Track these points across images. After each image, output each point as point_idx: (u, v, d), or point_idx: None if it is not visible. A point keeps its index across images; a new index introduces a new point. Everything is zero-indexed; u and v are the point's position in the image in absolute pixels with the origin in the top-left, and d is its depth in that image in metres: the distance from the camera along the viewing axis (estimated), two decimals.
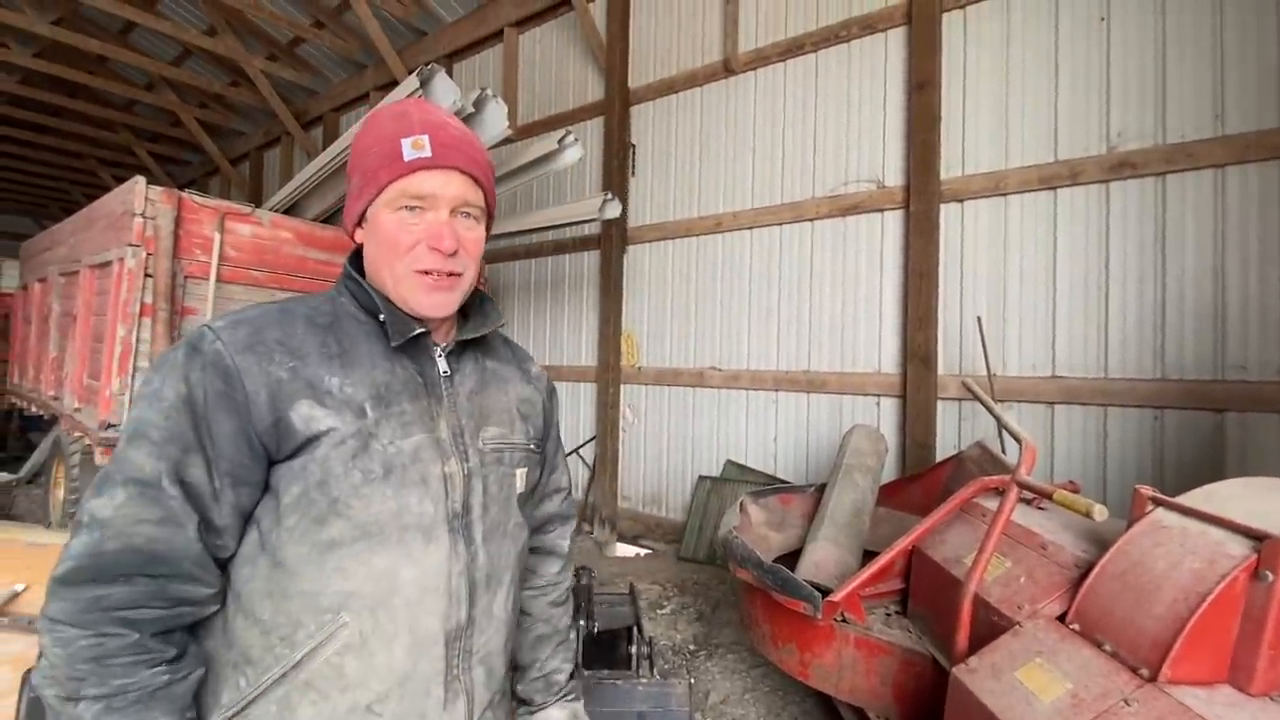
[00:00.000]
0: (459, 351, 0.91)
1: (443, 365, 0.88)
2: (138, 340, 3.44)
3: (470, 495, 0.84)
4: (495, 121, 3.33)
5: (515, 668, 1.08)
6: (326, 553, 0.73)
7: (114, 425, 3.42)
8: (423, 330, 0.84)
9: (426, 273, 0.81)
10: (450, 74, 6.83)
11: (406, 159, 0.79)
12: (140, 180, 3.50)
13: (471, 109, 3.15)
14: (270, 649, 0.73)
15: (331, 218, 4.18)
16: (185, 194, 3.59)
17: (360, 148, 0.84)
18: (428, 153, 0.80)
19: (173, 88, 9.27)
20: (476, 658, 0.84)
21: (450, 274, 0.83)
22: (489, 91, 3.24)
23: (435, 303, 0.83)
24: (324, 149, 4.03)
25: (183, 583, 0.69)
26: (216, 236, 3.64)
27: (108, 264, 3.67)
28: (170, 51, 8.64)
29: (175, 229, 3.51)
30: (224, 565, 0.75)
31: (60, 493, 4.56)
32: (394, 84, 6.40)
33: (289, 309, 0.82)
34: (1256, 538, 1.33)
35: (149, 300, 3.44)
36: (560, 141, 3.79)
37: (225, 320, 0.77)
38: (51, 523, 4.60)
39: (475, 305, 0.95)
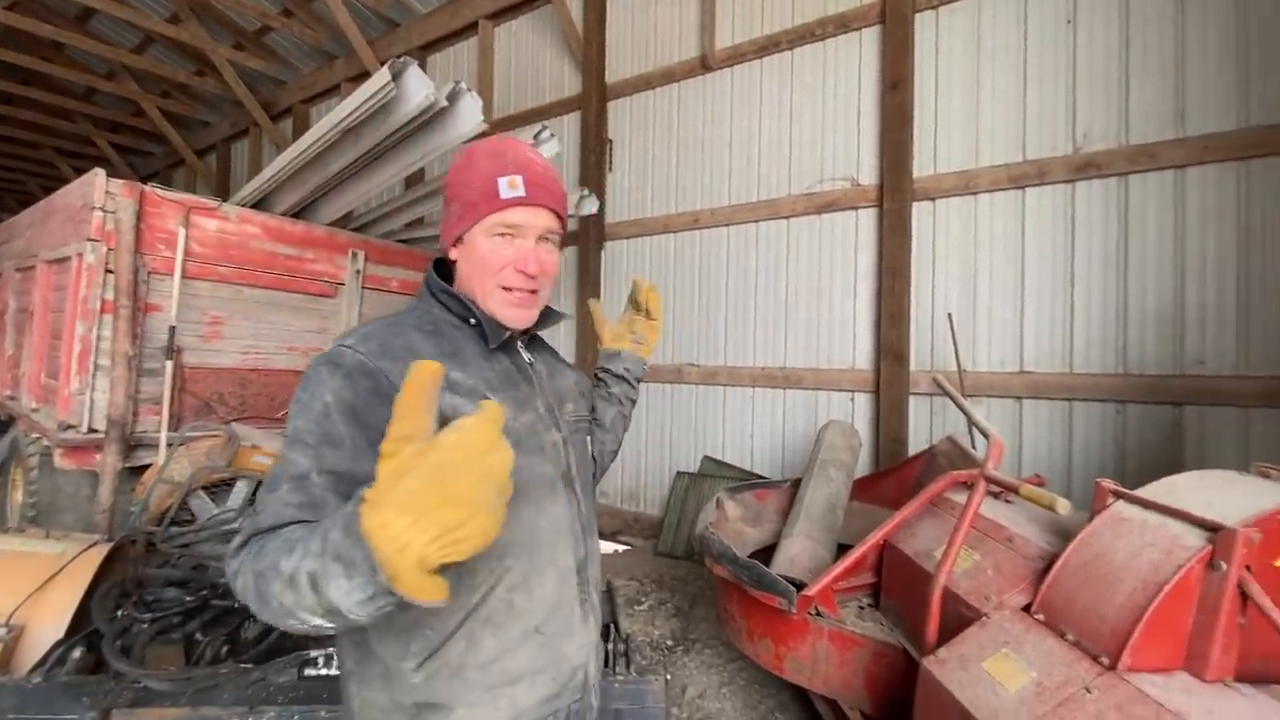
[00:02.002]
0: (529, 345, 1.09)
1: (526, 356, 1.06)
2: (98, 338, 3.34)
3: (569, 458, 1.04)
4: (469, 116, 3.28)
5: (616, 410, 1.38)
6: None
7: (73, 426, 3.32)
8: (510, 333, 1.01)
9: (509, 289, 0.98)
10: (424, 66, 6.72)
11: (503, 197, 0.95)
12: (100, 173, 3.39)
13: (445, 102, 3.10)
14: (454, 597, 0.85)
15: (301, 213, 4.10)
16: (148, 187, 3.49)
17: (461, 180, 0.99)
18: (522, 192, 0.95)
19: (134, 76, 8.96)
20: (592, 585, 1.05)
21: (531, 291, 0.99)
22: (463, 85, 3.19)
23: (517, 316, 1.00)
24: (294, 141, 3.93)
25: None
26: (181, 231, 3.54)
27: (66, 259, 3.55)
28: (131, 38, 8.35)
29: (137, 224, 3.41)
30: None
31: (19, 495, 4.39)
32: (366, 75, 6.28)
33: (398, 321, 0.97)
34: (1211, 529, 1.38)
35: (110, 297, 3.34)
36: (536, 136, 3.76)
37: (354, 338, 0.90)
38: (9, 527, 4.44)
39: None
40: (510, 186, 0.95)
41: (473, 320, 0.99)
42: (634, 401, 1.42)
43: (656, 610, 3.69)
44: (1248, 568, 1.31)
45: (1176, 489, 1.59)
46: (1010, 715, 1.37)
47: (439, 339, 0.96)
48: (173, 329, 3.51)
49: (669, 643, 3.29)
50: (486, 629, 0.90)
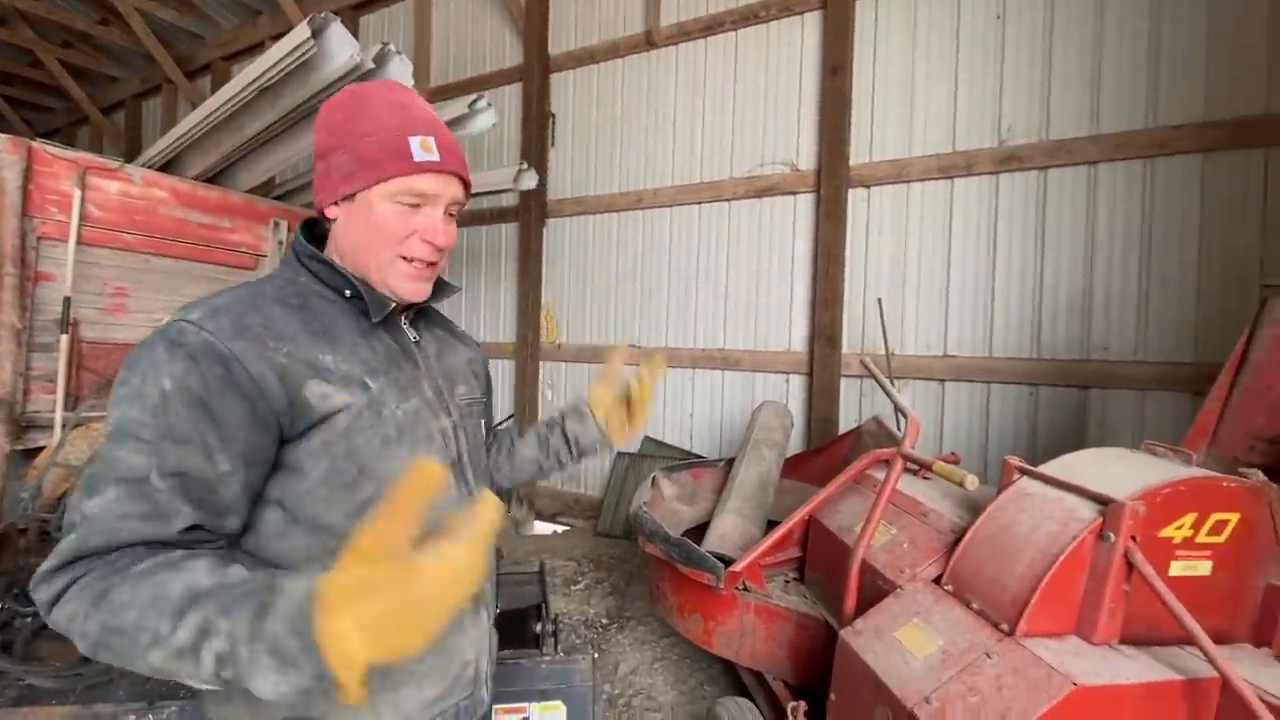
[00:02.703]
0: (415, 321, 1.00)
1: (411, 334, 0.96)
2: None
3: (460, 445, 0.96)
4: (399, 80, 3.12)
5: (538, 454, 1.26)
6: (361, 510, 0.80)
7: None
8: (393, 306, 0.91)
9: (409, 260, 0.88)
10: (356, 27, 6.36)
11: (417, 159, 0.84)
12: None
13: (371, 65, 2.93)
14: None
15: (216, 178, 3.83)
16: (37, 143, 3.18)
17: (355, 130, 0.86)
18: (436, 157, 0.86)
19: (29, 22, 8.12)
20: (485, 575, 0.93)
21: (431, 264, 0.91)
22: (391, 47, 3.02)
23: (416, 289, 0.91)
24: None
25: (161, 552, 0.69)
26: (76, 193, 3.24)
27: None
28: None
29: (25, 183, 3.10)
30: (232, 540, 0.77)
31: None
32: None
33: (258, 292, 0.83)
34: (1102, 502, 1.47)
35: None
36: (471, 105, 3.61)
37: (200, 311, 0.76)
38: None
39: None
40: (423, 149, 0.85)
41: (348, 292, 0.88)
42: (563, 466, 1.27)
43: (593, 589, 3.70)
44: (1134, 538, 1.40)
45: (1075, 465, 1.69)
46: (917, 681, 1.43)
47: (306, 314, 0.83)
48: (68, 300, 3.22)
49: (604, 621, 3.31)
50: None
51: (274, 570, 0.78)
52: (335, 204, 0.89)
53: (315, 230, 0.95)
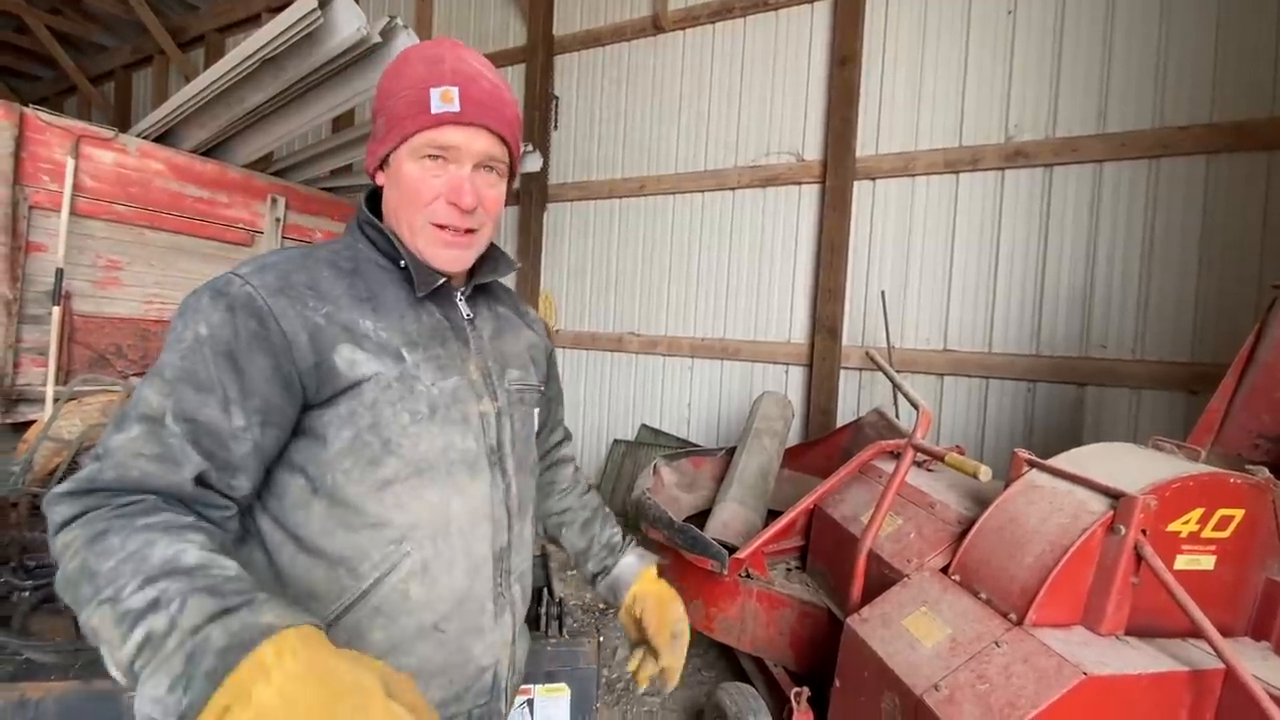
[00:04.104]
0: (474, 297, 0.95)
1: (465, 310, 0.92)
2: None
3: (502, 432, 0.90)
4: None
5: (578, 552, 1.21)
6: (383, 490, 0.78)
7: None
8: (444, 280, 0.87)
9: (442, 227, 0.83)
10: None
11: (434, 111, 0.80)
12: None
13: (378, 38, 2.88)
14: (336, 581, 0.77)
15: (213, 151, 3.75)
16: (30, 110, 3.10)
17: (388, 90, 0.84)
18: (455, 108, 0.80)
19: None
20: (514, 576, 0.92)
21: (467, 230, 0.85)
22: (399, 21, 2.97)
23: (450, 258, 0.85)
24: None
25: (174, 509, 0.66)
26: (70, 163, 3.17)
27: None
28: None
29: (16, 150, 3.02)
30: (242, 505, 0.75)
31: None
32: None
33: (311, 254, 0.82)
34: (1113, 496, 1.48)
35: None
36: None
37: (250, 266, 0.77)
38: None
39: (486, 251, 0.97)
40: (443, 99, 0.79)
41: (402, 263, 0.85)
42: (580, 573, 1.20)
43: None
44: (1143, 532, 1.42)
45: (1083, 459, 1.70)
46: (926, 669, 1.44)
47: (355, 279, 0.82)
48: (60, 271, 3.16)
49: (601, 606, 3.32)
50: (375, 621, 0.78)
51: (280, 590, 0.75)
52: (380, 170, 0.87)
53: (376, 199, 0.92)
